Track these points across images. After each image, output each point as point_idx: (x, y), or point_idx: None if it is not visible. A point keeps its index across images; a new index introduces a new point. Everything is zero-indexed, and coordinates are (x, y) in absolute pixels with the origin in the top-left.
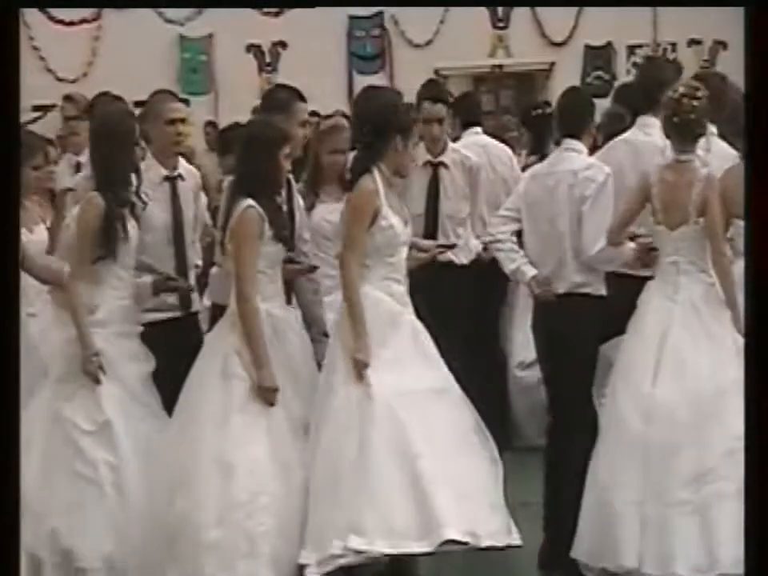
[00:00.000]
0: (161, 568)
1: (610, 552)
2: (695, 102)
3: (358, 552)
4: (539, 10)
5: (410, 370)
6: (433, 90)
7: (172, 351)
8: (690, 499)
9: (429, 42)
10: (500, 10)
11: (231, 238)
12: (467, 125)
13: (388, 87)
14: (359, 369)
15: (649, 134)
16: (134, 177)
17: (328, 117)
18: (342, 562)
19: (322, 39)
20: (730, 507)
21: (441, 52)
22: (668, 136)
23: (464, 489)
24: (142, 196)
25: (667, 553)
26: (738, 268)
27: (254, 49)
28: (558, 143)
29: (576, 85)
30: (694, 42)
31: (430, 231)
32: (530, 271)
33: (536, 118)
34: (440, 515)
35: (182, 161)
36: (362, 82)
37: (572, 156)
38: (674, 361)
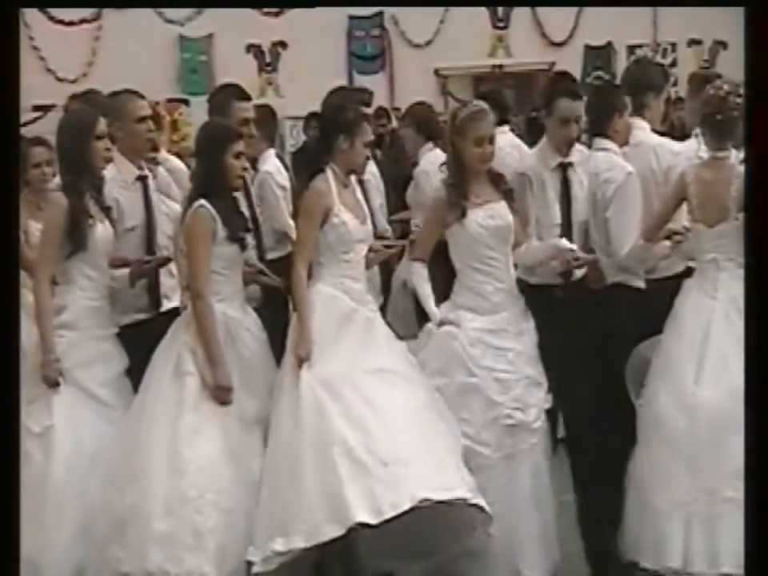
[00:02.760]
0: (115, 560)
1: (653, 552)
2: (738, 100)
3: (282, 553)
4: (539, 10)
5: (353, 356)
6: (569, 86)
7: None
8: (737, 497)
9: (429, 42)
10: (500, 10)
11: (184, 238)
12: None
13: (350, 87)
14: (299, 364)
15: (635, 135)
16: (102, 173)
17: (464, 103)
18: (282, 559)
19: (321, 39)
20: None
21: (441, 52)
22: (704, 134)
23: (408, 461)
24: (115, 195)
25: (716, 551)
26: None
27: (254, 49)
28: (589, 144)
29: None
30: (694, 42)
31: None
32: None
33: (535, 120)
34: (350, 499)
35: (172, 158)
36: (362, 82)
37: (597, 156)
38: (717, 359)
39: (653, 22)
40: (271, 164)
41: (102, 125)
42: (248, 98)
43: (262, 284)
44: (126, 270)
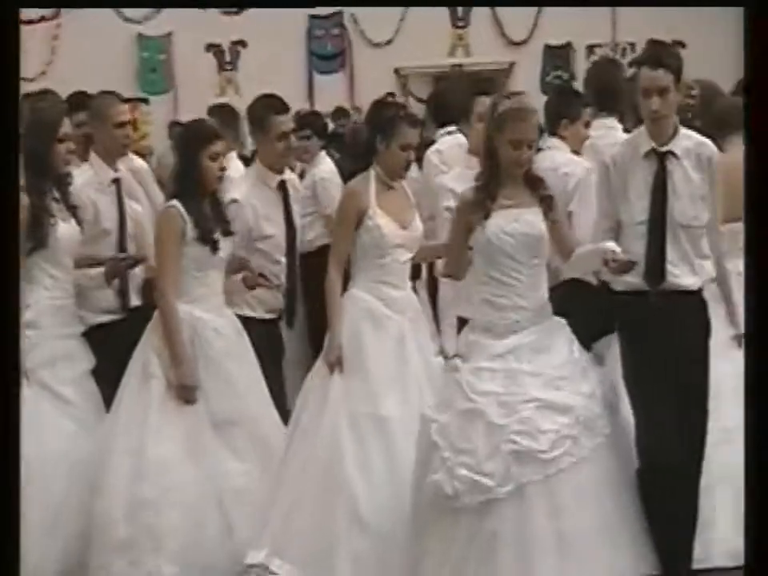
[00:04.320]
0: (81, 569)
1: None
2: (690, 101)
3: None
4: (499, 9)
5: (381, 374)
6: (654, 52)
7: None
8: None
9: (389, 42)
10: (460, 9)
11: (154, 237)
12: (442, 124)
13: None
14: (330, 370)
15: (608, 136)
16: (67, 172)
17: (507, 95)
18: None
19: (281, 38)
20: None
21: (401, 51)
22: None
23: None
24: (92, 197)
25: None
26: (733, 265)
27: (214, 48)
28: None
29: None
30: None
31: (658, 244)
32: None
33: None
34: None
35: (134, 158)
36: (321, 81)
37: (553, 154)
38: None
39: (612, 22)
40: (234, 167)
41: (65, 126)
42: (286, 111)
43: (260, 286)
44: (100, 269)
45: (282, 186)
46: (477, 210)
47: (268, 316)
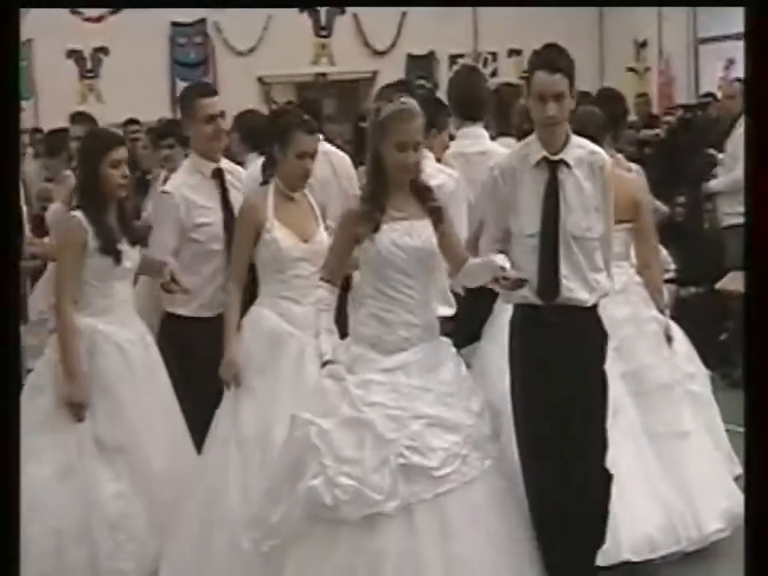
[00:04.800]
0: None
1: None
2: None
3: None
4: (362, 18)
5: (277, 395)
6: (550, 55)
7: None
8: None
9: (252, 50)
10: (323, 18)
11: (56, 247)
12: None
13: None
14: (226, 386)
15: (477, 144)
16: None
17: (389, 99)
18: None
19: (144, 46)
20: None
21: (264, 60)
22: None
23: None
24: None
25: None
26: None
27: (75, 54)
28: None
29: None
30: (513, 53)
31: (551, 258)
32: None
33: (362, 129)
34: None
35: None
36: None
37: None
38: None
39: (474, 32)
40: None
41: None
42: (213, 94)
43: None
44: None
45: (218, 174)
46: (365, 222)
47: (206, 314)
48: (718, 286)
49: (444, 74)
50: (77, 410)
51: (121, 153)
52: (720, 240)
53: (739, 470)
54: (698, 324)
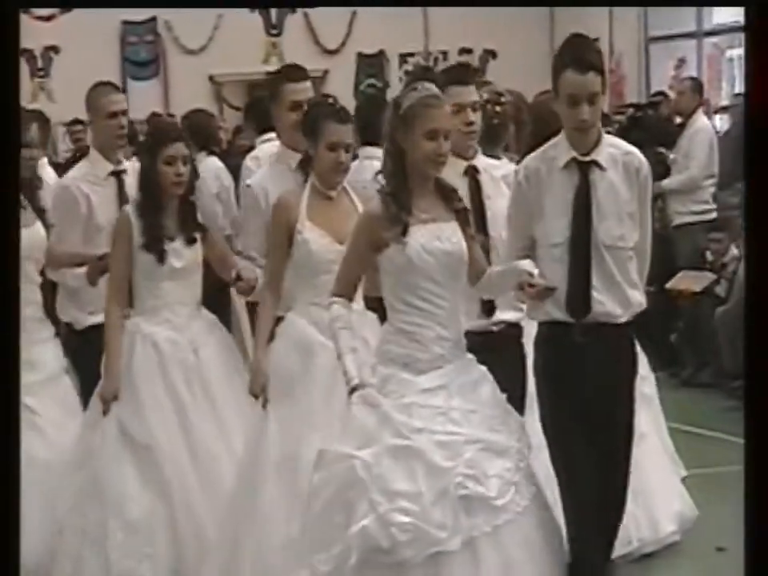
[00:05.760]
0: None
1: None
2: (498, 108)
3: None
4: (312, 17)
5: (310, 411)
6: (579, 51)
7: None
8: None
9: (203, 48)
10: (273, 17)
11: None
12: (262, 131)
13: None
14: (254, 397)
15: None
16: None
17: (412, 87)
18: None
19: (95, 44)
20: None
21: (215, 58)
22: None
23: None
24: (80, 190)
25: None
26: None
27: (26, 53)
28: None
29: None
30: (464, 51)
31: (582, 269)
32: None
33: None
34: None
35: None
36: (136, 87)
37: (373, 164)
38: None
39: (424, 31)
40: (45, 174)
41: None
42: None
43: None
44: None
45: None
46: (389, 225)
47: None
48: (668, 285)
49: (395, 73)
50: (106, 404)
51: (175, 149)
52: (671, 239)
53: (684, 472)
54: (647, 324)
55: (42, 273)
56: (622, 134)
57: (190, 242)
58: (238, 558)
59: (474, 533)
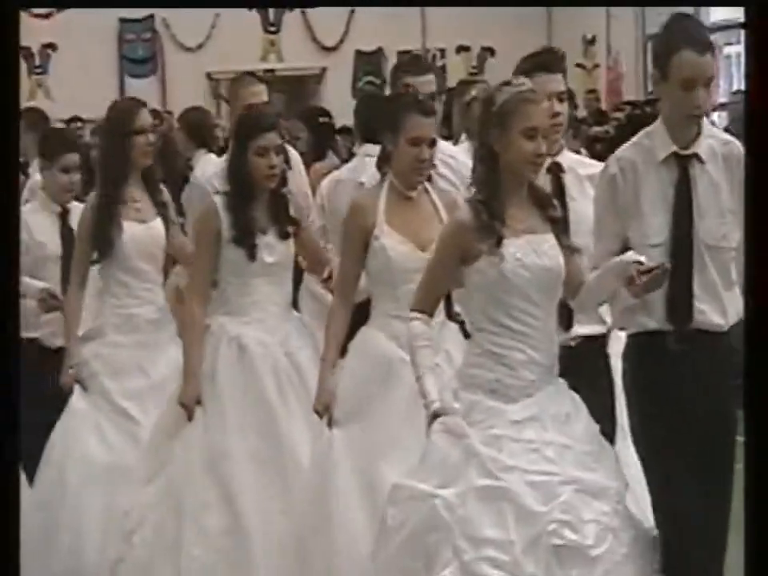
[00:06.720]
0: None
1: None
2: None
3: None
4: (310, 15)
5: (377, 452)
6: (696, 29)
7: None
8: None
9: (200, 46)
10: (271, 14)
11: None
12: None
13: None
14: (320, 417)
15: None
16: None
17: (505, 82)
18: None
19: (92, 42)
20: None
21: (213, 56)
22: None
23: None
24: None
25: None
26: None
27: (24, 51)
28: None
29: (374, 91)
30: (462, 49)
31: (684, 271)
32: None
33: (322, 126)
34: None
35: None
36: (133, 84)
37: (373, 162)
38: None
39: (422, 28)
40: None
41: (143, 117)
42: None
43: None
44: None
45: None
46: (481, 236)
47: None
48: None
49: None
50: (188, 410)
51: (268, 140)
52: None
53: None
54: None
55: (165, 272)
56: (621, 131)
57: (284, 236)
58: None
59: None
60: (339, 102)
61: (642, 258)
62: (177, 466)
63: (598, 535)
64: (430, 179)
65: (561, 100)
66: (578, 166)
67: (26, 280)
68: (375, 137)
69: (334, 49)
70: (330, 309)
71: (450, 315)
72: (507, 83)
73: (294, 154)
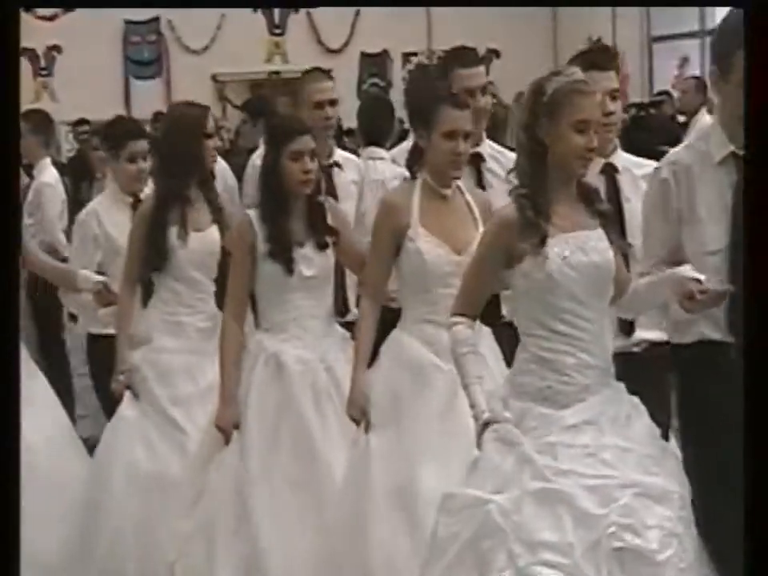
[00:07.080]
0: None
1: None
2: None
3: None
4: (316, 17)
5: (412, 461)
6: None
7: None
8: None
9: (206, 48)
10: (276, 16)
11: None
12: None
13: None
14: (356, 424)
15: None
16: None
17: (555, 72)
18: None
19: (97, 44)
20: None
21: (218, 58)
22: None
23: None
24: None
25: None
26: None
27: (29, 53)
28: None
29: (378, 93)
30: None
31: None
32: None
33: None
34: None
35: None
36: (138, 86)
37: (377, 165)
38: None
39: (427, 30)
40: (48, 174)
41: (211, 121)
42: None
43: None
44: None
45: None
46: (526, 234)
47: None
48: None
49: (397, 73)
50: (226, 435)
51: (302, 143)
52: None
53: None
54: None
55: (216, 280)
56: (626, 133)
57: (322, 247)
58: None
59: None
60: (344, 104)
61: (702, 277)
62: (213, 494)
63: (662, 541)
64: (480, 174)
65: (614, 98)
66: (633, 166)
67: (82, 272)
68: (379, 139)
69: (339, 51)
70: (360, 310)
71: (499, 317)
72: (558, 72)
73: None
